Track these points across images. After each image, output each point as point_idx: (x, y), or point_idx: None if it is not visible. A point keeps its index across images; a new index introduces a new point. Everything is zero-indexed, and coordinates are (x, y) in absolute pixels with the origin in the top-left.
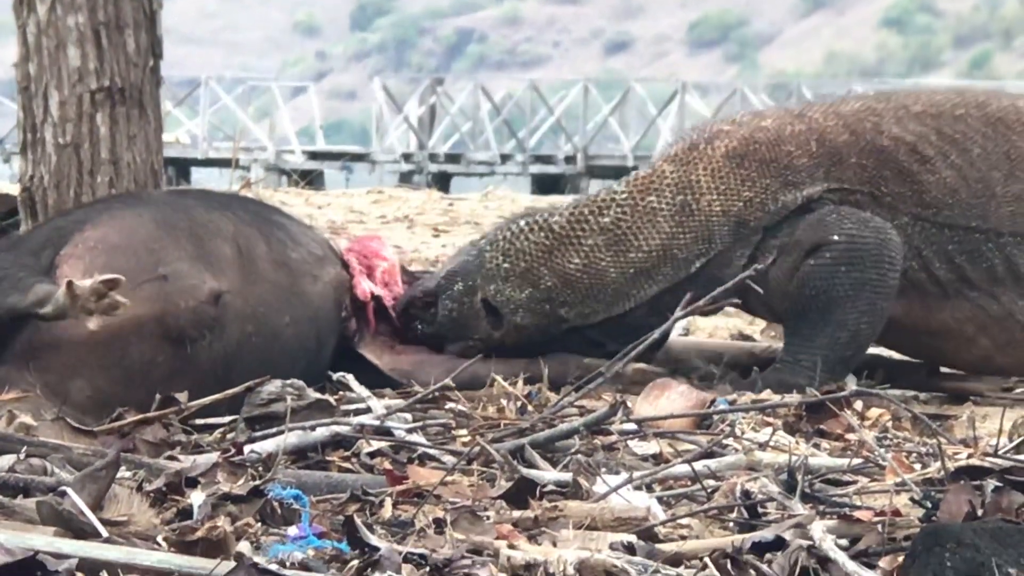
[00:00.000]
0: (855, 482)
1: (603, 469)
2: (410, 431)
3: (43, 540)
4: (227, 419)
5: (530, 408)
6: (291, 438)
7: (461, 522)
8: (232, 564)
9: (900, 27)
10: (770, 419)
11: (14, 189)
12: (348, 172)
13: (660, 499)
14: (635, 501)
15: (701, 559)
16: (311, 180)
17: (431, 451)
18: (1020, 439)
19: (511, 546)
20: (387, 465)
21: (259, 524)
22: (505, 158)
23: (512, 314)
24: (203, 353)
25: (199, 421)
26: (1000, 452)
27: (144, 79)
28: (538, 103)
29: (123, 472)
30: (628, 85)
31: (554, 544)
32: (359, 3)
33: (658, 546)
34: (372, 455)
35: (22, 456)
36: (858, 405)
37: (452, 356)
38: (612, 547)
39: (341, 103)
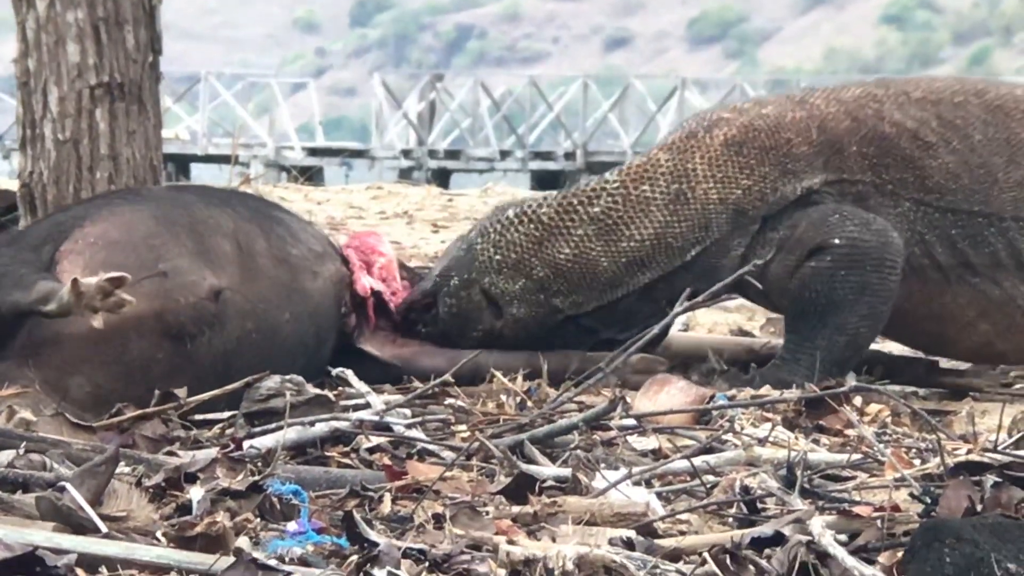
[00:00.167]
0: (854, 478)
1: (602, 465)
2: (409, 427)
3: (42, 535)
4: (226, 415)
5: (529, 404)
6: (290, 434)
7: (460, 517)
8: (231, 559)
9: (900, 23)
10: (769, 415)
11: (13, 185)
12: (347, 168)
13: (659, 495)
14: (634, 497)
15: (700, 554)
16: (310, 176)
17: (430, 447)
18: (1019, 435)
19: (510, 541)
20: (386, 461)
21: (258, 519)
22: (505, 154)
23: (508, 305)
24: (203, 349)
25: (198, 417)
26: (999, 448)
27: (143, 75)
28: (538, 99)
29: (122, 468)
30: (628, 81)
31: (553, 539)
32: None
33: (657, 541)
34: (371, 451)
35: (21, 452)
36: (857, 401)
37: (452, 350)
38: (611, 542)
39: (341, 99)
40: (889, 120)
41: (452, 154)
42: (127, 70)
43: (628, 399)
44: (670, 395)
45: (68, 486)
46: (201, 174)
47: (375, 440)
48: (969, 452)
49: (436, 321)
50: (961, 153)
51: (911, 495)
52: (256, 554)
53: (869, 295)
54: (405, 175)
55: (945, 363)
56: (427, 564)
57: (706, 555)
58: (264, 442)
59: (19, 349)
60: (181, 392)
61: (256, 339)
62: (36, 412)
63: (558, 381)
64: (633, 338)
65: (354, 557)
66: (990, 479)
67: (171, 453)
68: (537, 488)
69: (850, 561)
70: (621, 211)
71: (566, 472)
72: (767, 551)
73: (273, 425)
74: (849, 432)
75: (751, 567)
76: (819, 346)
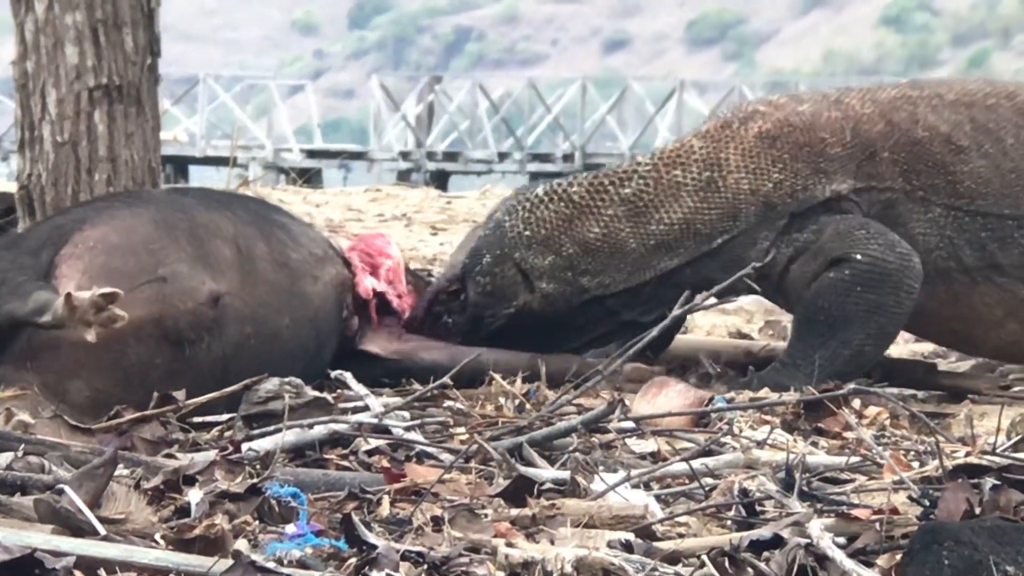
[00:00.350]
0: (853, 480)
1: (601, 467)
2: (408, 429)
3: (41, 538)
4: (225, 417)
5: (528, 406)
6: (289, 436)
7: (459, 520)
8: (230, 562)
9: (898, 25)
10: (768, 417)
11: (12, 187)
12: (346, 170)
13: (658, 497)
14: (633, 499)
15: (699, 557)
16: (309, 178)
17: (429, 449)
18: (1018, 437)
19: (509, 544)
20: (385, 463)
21: (257, 522)
22: (503, 156)
23: (538, 280)
24: (201, 355)
25: (197, 419)
26: (998, 450)
27: (142, 77)
28: (536, 101)
29: (121, 470)
30: (626, 83)
31: (552, 542)
32: (357, 1)
33: (656, 544)
34: (370, 453)
35: (20, 454)
36: (856, 403)
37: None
38: (610, 545)
39: (339, 101)
40: (923, 123)
41: (450, 156)
42: (126, 72)
43: (627, 402)
44: (668, 398)
45: (67, 488)
46: (199, 176)
47: (374, 442)
48: (968, 455)
49: (464, 307)
50: (993, 157)
51: (910, 498)
52: (255, 556)
53: (881, 315)
54: (403, 177)
55: (943, 365)
56: (426, 567)
57: (704, 558)
58: (263, 444)
59: (18, 353)
60: (180, 394)
61: (255, 344)
62: (34, 414)
63: (557, 384)
64: (631, 342)
65: (353, 560)
66: (989, 482)
67: (170, 455)
68: (536, 491)
69: (849, 564)
70: (652, 194)
71: (565, 475)
72: (766, 554)
73: (272, 427)
74: (848, 435)
75: (749, 570)
76: (821, 356)
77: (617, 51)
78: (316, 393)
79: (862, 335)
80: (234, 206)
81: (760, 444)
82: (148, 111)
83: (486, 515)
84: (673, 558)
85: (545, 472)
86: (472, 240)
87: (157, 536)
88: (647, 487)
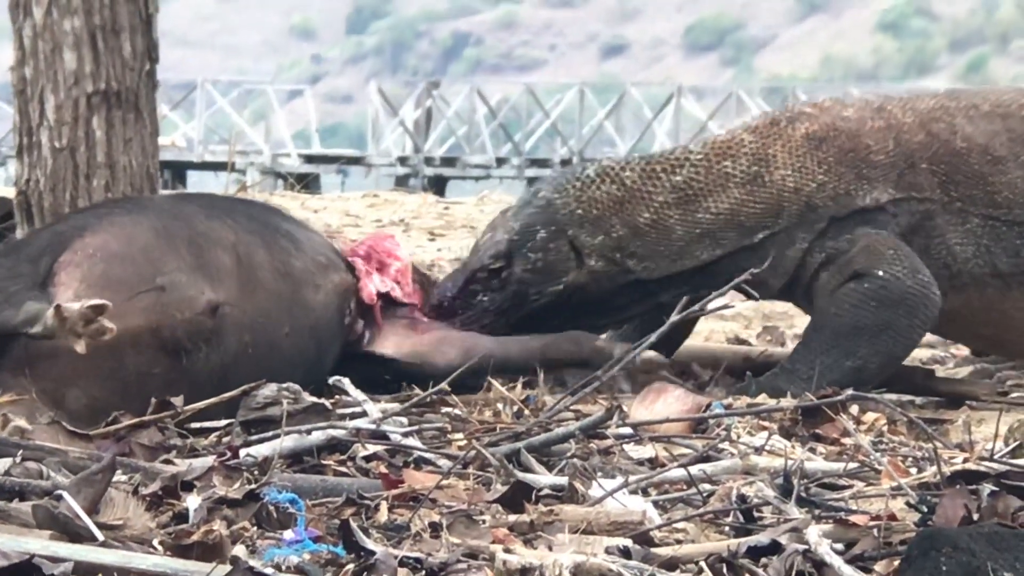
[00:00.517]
0: (851, 486)
1: (599, 473)
2: (406, 435)
3: (39, 544)
4: (223, 423)
5: (526, 412)
6: (287, 442)
7: (457, 526)
8: (228, 568)
9: (896, 31)
10: (766, 423)
11: (10, 192)
12: (344, 175)
13: (656, 503)
14: (631, 505)
15: (697, 563)
16: (307, 183)
17: (427, 455)
18: (1016, 443)
19: (507, 550)
20: (383, 469)
21: (255, 528)
22: (501, 162)
23: (588, 258)
24: (199, 364)
25: (195, 425)
26: (996, 456)
27: (140, 83)
28: (534, 107)
29: (119, 476)
30: (624, 89)
31: (550, 548)
32: (355, 6)
33: (654, 550)
34: (368, 459)
35: (18, 460)
36: (854, 409)
37: (471, 334)
38: (608, 551)
39: (337, 106)
40: (961, 134)
41: (448, 161)
42: (124, 78)
43: (624, 408)
44: (666, 404)
45: (65, 494)
46: (197, 181)
47: (372, 448)
48: (966, 461)
49: (504, 285)
50: None
51: (908, 504)
52: (252, 562)
53: (890, 335)
54: (401, 182)
55: (941, 371)
56: (423, 572)
57: (702, 564)
58: (261, 450)
59: (15, 360)
60: (177, 400)
61: (254, 353)
62: (31, 420)
63: (568, 366)
64: (630, 348)
65: (351, 565)
66: (987, 488)
67: (168, 461)
68: (533, 497)
69: (846, 570)
70: (702, 183)
71: (562, 481)
72: (763, 560)
73: (270, 433)
74: (845, 441)
75: None
76: (823, 364)
77: (615, 56)
78: (314, 399)
79: (868, 350)
80: (237, 213)
81: (758, 450)
82: (146, 117)
83: (484, 521)
84: (671, 564)
85: (543, 478)
86: (513, 220)
87: (155, 542)
88: (645, 493)
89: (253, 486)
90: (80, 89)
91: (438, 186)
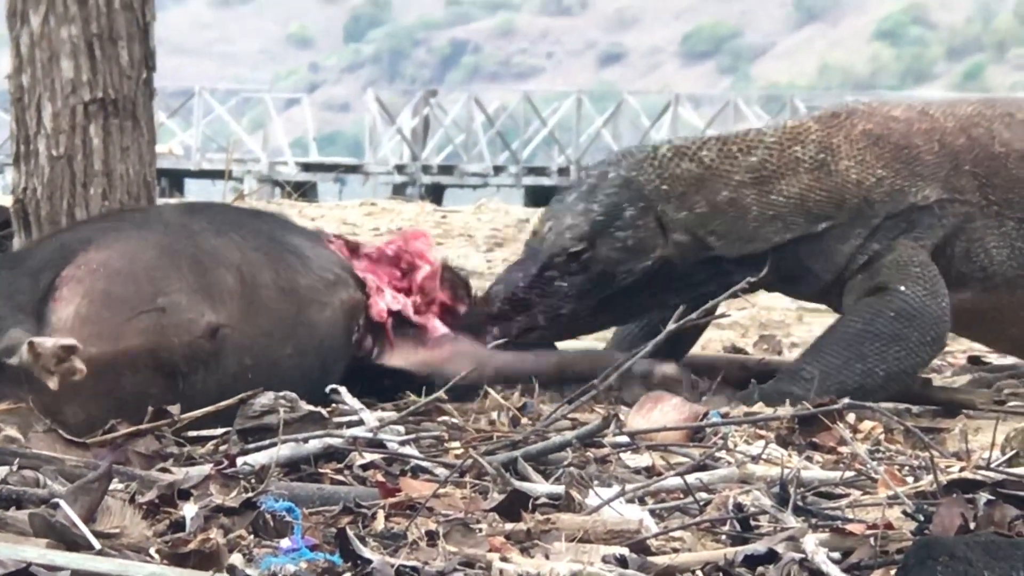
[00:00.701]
0: (847, 495)
1: (595, 482)
2: (403, 443)
3: (36, 552)
4: (220, 431)
5: (523, 420)
6: (284, 450)
7: (454, 534)
8: None
9: (893, 39)
10: (763, 432)
11: (7, 201)
12: (341, 184)
13: (652, 512)
14: (627, 514)
15: (693, 572)
16: (304, 192)
17: (424, 463)
18: (1012, 452)
19: (503, 559)
20: (380, 477)
21: (252, 536)
22: (498, 170)
23: (674, 233)
24: (197, 386)
25: (192, 433)
26: (993, 465)
27: (137, 91)
28: (531, 115)
29: (115, 484)
30: (621, 97)
31: (547, 557)
32: (353, 15)
33: (650, 559)
34: (365, 467)
35: (15, 468)
36: (850, 418)
37: (484, 347)
38: (604, 560)
39: (334, 115)
40: (999, 140)
41: (446, 169)
42: (121, 86)
43: (621, 416)
44: (663, 412)
45: (61, 503)
46: (195, 190)
47: (369, 457)
48: (962, 470)
49: (587, 267)
50: None
51: (904, 513)
52: (249, 571)
53: (900, 347)
54: (399, 190)
55: (938, 380)
56: None
57: (699, 572)
58: (258, 459)
59: (15, 372)
60: (174, 409)
61: (254, 375)
62: (26, 429)
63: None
64: (630, 353)
65: (347, 574)
66: (983, 497)
67: (164, 470)
68: (530, 505)
69: None
70: (775, 165)
71: (559, 489)
72: (760, 569)
73: (267, 442)
74: (842, 449)
75: None
76: (829, 364)
77: (612, 64)
78: (311, 407)
79: (878, 357)
80: (245, 228)
81: (755, 459)
82: (143, 125)
83: (481, 530)
84: (668, 573)
85: (540, 487)
86: (586, 202)
87: (152, 550)
88: (642, 502)
89: (250, 494)
90: (77, 97)
91: (435, 194)
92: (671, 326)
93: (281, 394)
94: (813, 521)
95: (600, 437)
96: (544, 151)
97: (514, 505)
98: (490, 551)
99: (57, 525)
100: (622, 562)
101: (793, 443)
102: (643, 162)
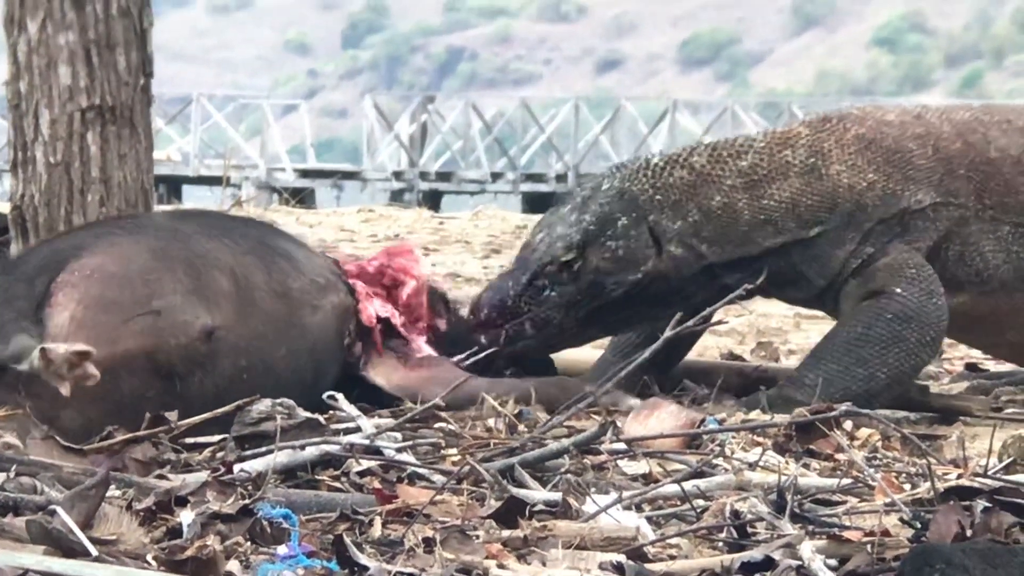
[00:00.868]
0: (844, 502)
1: (592, 489)
2: (400, 450)
3: (33, 559)
4: (217, 438)
5: (520, 427)
6: (281, 457)
7: (450, 541)
8: None
9: (891, 46)
10: (760, 439)
11: (5, 208)
12: (339, 190)
13: (649, 519)
14: (624, 521)
15: None
16: (302, 198)
17: (421, 470)
18: (1010, 459)
19: (500, 566)
20: (376, 484)
21: (248, 543)
22: (496, 176)
23: (668, 243)
24: (193, 388)
25: (189, 440)
26: (990, 472)
27: (135, 98)
28: (529, 121)
29: (113, 491)
30: (619, 103)
31: (543, 564)
32: (350, 21)
33: (647, 566)
34: (362, 474)
35: (12, 475)
36: (848, 425)
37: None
38: (601, 567)
39: (332, 121)
40: (995, 145)
41: (443, 176)
42: (118, 93)
43: (618, 423)
44: (660, 419)
45: (59, 509)
46: (193, 196)
47: (365, 464)
48: (959, 477)
49: (577, 277)
50: None
51: (901, 520)
52: None
53: (900, 349)
54: (396, 197)
55: (935, 387)
56: None
57: None
58: (254, 465)
59: (12, 377)
60: (172, 415)
61: (249, 377)
62: (23, 435)
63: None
64: (622, 364)
65: None
66: (980, 504)
67: (162, 476)
68: (527, 512)
69: None
70: (766, 168)
71: (556, 496)
72: (757, 575)
73: (264, 448)
74: (839, 456)
75: None
76: (830, 370)
77: (610, 71)
78: (308, 414)
79: (879, 361)
80: (235, 232)
81: (752, 466)
82: (141, 132)
83: (478, 536)
84: None
85: (537, 494)
86: (579, 213)
87: (149, 557)
88: (639, 509)
89: (247, 501)
90: (75, 104)
91: (433, 201)
92: (668, 333)
93: (278, 401)
94: (810, 528)
95: (597, 444)
96: (542, 158)
97: (511, 512)
98: (487, 558)
99: (54, 532)
100: (619, 569)
101: (790, 450)
102: (636, 173)
